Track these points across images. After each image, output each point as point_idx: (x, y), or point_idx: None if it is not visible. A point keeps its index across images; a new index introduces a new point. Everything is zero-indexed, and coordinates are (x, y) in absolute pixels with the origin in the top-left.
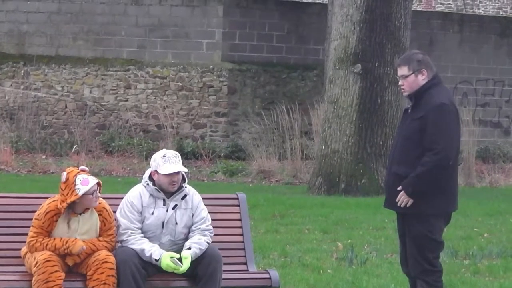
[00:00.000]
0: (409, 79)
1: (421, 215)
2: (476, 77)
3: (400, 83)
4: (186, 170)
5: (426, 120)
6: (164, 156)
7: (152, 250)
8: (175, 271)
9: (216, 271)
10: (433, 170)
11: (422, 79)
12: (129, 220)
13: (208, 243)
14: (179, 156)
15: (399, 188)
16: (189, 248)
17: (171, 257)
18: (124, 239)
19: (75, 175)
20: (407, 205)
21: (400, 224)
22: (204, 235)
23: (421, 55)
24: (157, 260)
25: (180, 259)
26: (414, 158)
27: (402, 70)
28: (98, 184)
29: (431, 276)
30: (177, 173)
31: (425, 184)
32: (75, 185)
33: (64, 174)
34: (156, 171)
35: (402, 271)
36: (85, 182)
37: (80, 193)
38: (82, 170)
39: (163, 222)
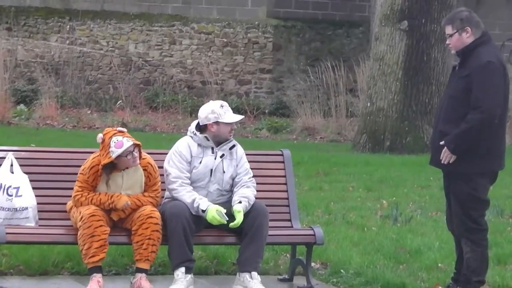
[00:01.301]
0: (453, 38)
1: (466, 173)
2: None
3: (447, 42)
4: (243, 116)
5: (471, 78)
6: (222, 106)
7: (201, 202)
8: (232, 225)
9: (262, 225)
10: (476, 128)
11: (466, 37)
12: (178, 169)
13: (254, 195)
14: None
15: (441, 143)
16: (240, 202)
17: (217, 210)
18: (175, 187)
19: (111, 137)
20: (450, 162)
21: (446, 182)
22: (248, 187)
23: (466, 13)
24: (203, 211)
25: (227, 214)
26: (460, 116)
27: (447, 29)
28: (136, 145)
29: (476, 235)
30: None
31: (467, 141)
32: (109, 147)
33: (100, 136)
34: (216, 122)
35: (447, 229)
36: (119, 145)
37: (114, 155)
38: (120, 131)
39: (211, 170)
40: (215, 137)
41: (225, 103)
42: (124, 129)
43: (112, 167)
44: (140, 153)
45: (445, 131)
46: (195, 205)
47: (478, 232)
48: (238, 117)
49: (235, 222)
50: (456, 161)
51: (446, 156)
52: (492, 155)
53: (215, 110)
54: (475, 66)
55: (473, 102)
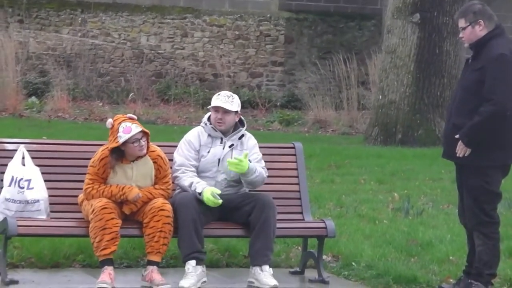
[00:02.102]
0: (467, 31)
1: (479, 166)
2: None
3: (460, 35)
4: (233, 109)
5: (485, 71)
6: (218, 94)
7: (197, 185)
8: (230, 161)
9: (269, 218)
10: (489, 120)
11: (479, 30)
12: (184, 157)
13: (264, 174)
14: (236, 98)
15: (456, 136)
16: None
17: (212, 192)
18: (177, 175)
19: (120, 123)
20: (465, 155)
21: (458, 175)
22: (262, 169)
23: (479, 6)
24: (200, 194)
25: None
26: (473, 109)
27: (460, 23)
28: (144, 133)
29: (488, 228)
30: (225, 111)
31: (481, 134)
32: (118, 132)
33: (110, 121)
34: (210, 109)
35: (460, 222)
36: (127, 130)
37: (121, 140)
38: (129, 118)
39: (218, 159)
40: (214, 125)
41: (227, 93)
42: (134, 116)
43: (121, 155)
44: (148, 142)
45: (458, 124)
46: (192, 188)
47: (491, 225)
48: (218, 103)
49: (232, 159)
50: (469, 154)
51: (461, 149)
52: (505, 148)
53: (213, 98)
54: (488, 58)
55: (485, 94)
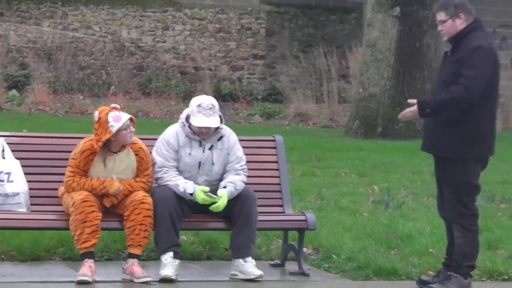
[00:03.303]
0: (447, 24)
1: (458, 159)
2: None
3: (439, 28)
4: (215, 125)
5: (462, 62)
6: (199, 105)
7: (186, 186)
8: (213, 208)
9: (251, 211)
10: (455, 100)
11: (460, 23)
12: (164, 158)
13: (243, 182)
14: (216, 107)
15: (411, 101)
16: (225, 187)
17: (205, 192)
18: (159, 176)
19: (107, 113)
20: (403, 121)
21: (437, 168)
22: (238, 174)
23: (458, 0)
24: (191, 195)
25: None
26: None
27: (440, 16)
28: (131, 119)
29: (467, 220)
30: (210, 128)
31: (441, 110)
32: (108, 122)
33: (96, 113)
34: (189, 116)
35: (439, 215)
36: (117, 119)
37: (114, 130)
38: (114, 108)
39: (199, 163)
40: (198, 134)
41: (207, 103)
42: (117, 106)
43: (107, 148)
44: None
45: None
46: (181, 190)
47: (470, 217)
48: (206, 123)
49: (215, 205)
50: (449, 147)
51: (409, 115)
52: (484, 141)
53: (192, 105)
54: (466, 50)
55: (460, 80)
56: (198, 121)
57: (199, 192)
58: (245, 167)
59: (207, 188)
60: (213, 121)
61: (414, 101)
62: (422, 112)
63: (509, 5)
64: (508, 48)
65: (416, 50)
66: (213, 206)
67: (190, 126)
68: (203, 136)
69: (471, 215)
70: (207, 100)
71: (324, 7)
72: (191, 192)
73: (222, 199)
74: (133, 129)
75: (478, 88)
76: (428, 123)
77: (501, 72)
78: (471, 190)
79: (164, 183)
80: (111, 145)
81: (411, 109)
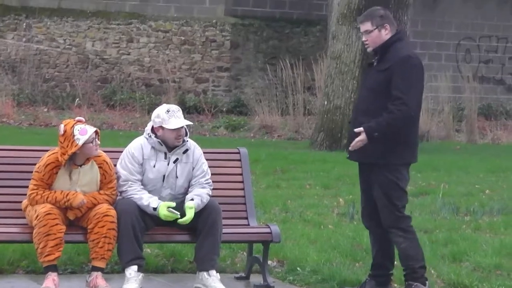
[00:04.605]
0: (373, 35)
1: (393, 164)
2: (479, 34)
3: (363, 38)
4: (191, 123)
5: (392, 71)
6: (168, 111)
7: (151, 200)
8: (181, 222)
9: (216, 222)
10: (398, 118)
11: (385, 34)
12: (129, 171)
13: (209, 195)
14: (181, 110)
15: (358, 130)
16: (192, 200)
17: (168, 207)
18: (124, 190)
19: (72, 126)
20: (354, 150)
21: (365, 176)
22: (204, 188)
23: (383, 11)
24: (155, 209)
25: (176, 209)
26: (379, 108)
27: (365, 26)
28: (96, 132)
29: (405, 222)
30: (183, 127)
31: (387, 130)
32: (73, 136)
33: (62, 127)
34: (161, 126)
35: (364, 225)
36: (83, 132)
37: (80, 143)
38: (79, 121)
39: (164, 176)
40: (163, 141)
41: (173, 108)
42: (82, 118)
43: (72, 160)
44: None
45: (365, 123)
46: (145, 203)
47: (406, 220)
48: (182, 123)
49: (184, 218)
50: (383, 153)
51: (359, 143)
52: (411, 148)
53: (160, 115)
54: (395, 59)
55: (393, 93)
56: (174, 124)
57: (163, 207)
58: (210, 181)
59: (173, 204)
60: (186, 121)
61: (361, 129)
62: (371, 137)
63: (472, 18)
64: (472, 61)
65: None
66: (182, 219)
67: (156, 135)
68: (178, 141)
69: (407, 217)
70: (172, 106)
71: (288, 20)
72: (155, 207)
73: (190, 212)
74: (99, 142)
75: (415, 99)
76: (352, 132)
77: (465, 85)
78: (402, 195)
79: (128, 197)
80: (75, 158)
81: (360, 138)
